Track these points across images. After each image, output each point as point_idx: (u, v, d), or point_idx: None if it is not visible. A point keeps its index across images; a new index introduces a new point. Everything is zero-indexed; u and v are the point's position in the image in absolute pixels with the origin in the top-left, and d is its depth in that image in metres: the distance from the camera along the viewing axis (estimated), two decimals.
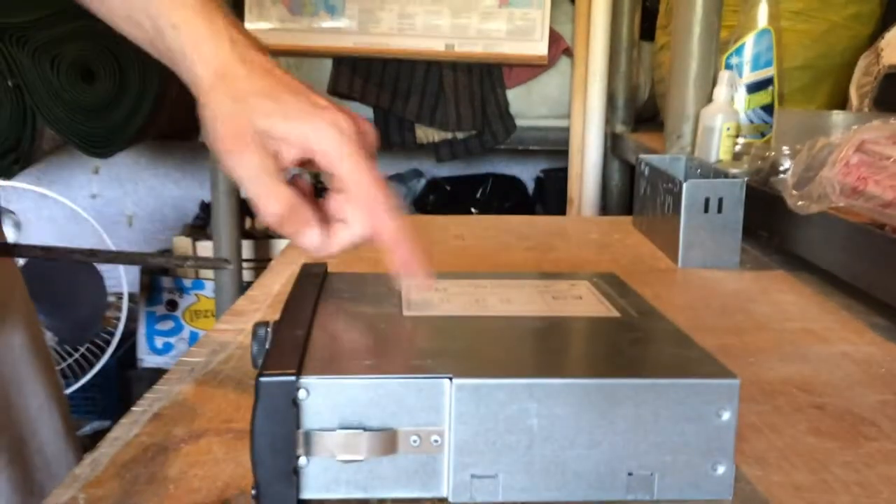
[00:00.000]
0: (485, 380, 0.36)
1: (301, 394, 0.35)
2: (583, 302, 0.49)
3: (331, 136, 0.47)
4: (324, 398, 0.36)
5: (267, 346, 0.43)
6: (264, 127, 0.47)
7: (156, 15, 0.52)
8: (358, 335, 0.43)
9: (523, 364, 0.41)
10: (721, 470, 0.37)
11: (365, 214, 0.48)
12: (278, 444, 0.35)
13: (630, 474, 0.37)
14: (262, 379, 0.35)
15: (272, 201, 0.47)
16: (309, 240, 0.48)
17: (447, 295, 0.50)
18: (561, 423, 0.36)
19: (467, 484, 0.37)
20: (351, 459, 0.36)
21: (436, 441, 0.36)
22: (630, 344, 0.43)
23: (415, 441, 0.36)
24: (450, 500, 0.37)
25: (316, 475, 0.36)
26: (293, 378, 0.35)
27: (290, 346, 0.39)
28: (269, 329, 0.44)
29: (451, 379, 0.36)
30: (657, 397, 0.36)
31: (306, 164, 0.49)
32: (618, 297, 0.50)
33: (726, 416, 0.37)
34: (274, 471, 0.36)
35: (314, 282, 0.51)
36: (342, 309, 0.47)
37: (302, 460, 0.36)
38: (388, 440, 0.36)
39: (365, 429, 0.36)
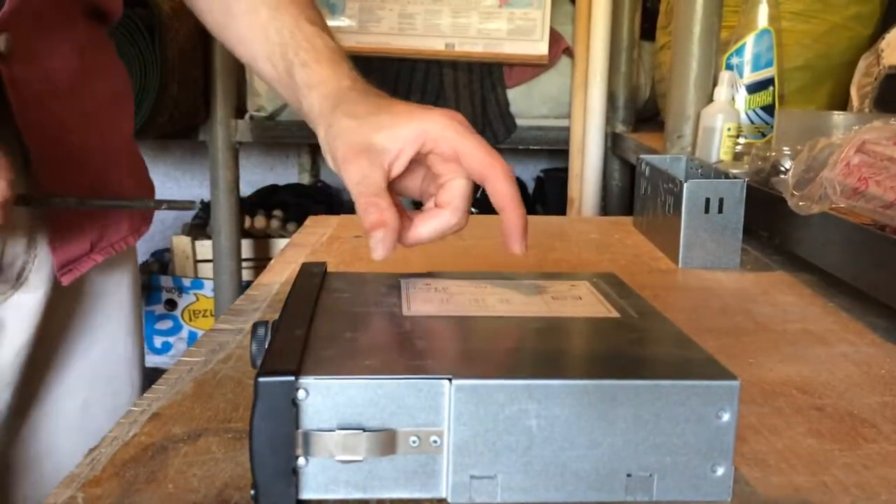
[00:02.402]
0: (484, 381, 0.36)
1: (300, 394, 0.35)
2: (582, 302, 0.49)
3: (447, 123, 0.53)
4: (323, 398, 0.36)
5: (266, 346, 0.43)
6: (381, 140, 0.53)
7: (291, 57, 0.60)
8: (357, 335, 0.43)
9: (523, 364, 0.41)
10: (720, 471, 0.37)
11: (485, 180, 0.53)
12: (277, 444, 0.35)
13: (629, 475, 0.37)
14: (261, 379, 0.35)
15: (371, 208, 0.52)
16: (377, 250, 0.52)
17: (447, 295, 0.50)
18: (560, 423, 0.36)
19: (466, 485, 0.37)
20: (350, 460, 0.36)
21: (435, 442, 0.36)
22: (630, 344, 0.43)
23: (414, 441, 0.36)
24: (449, 500, 0.37)
25: (315, 475, 0.36)
26: (292, 378, 0.35)
27: (289, 345, 0.39)
28: (268, 328, 0.44)
29: (450, 380, 0.36)
30: (657, 398, 0.36)
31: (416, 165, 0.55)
32: (618, 297, 0.50)
33: (726, 417, 0.36)
34: (273, 471, 0.36)
35: (314, 281, 0.51)
36: (342, 308, 0.47)
37: (301, 461, 0.36)
38: (387, 441, 0.36)
39: (364, 429, 0.36)
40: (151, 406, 0.49)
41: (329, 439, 0.36)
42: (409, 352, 0.41)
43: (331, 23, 1.86)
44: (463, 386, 0.36)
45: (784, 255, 0.88)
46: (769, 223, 0.88)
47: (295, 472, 0.36)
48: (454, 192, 0.54)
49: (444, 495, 0.37)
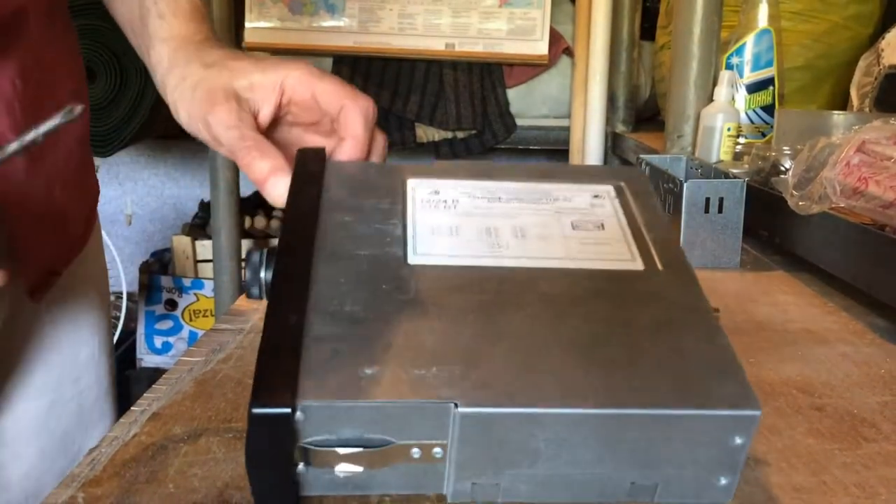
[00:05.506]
0: (490, 409, 0.34)
1: (298, 416, 0.34)
2: (605, 237, 0.45)
3: (303, 70, 0.53)
4: (320, 418, 0.34)
5: (261, 275, 0.41)
6: (242, 84, 0.52)
7: (149, 5, 0.58)
8: (356, 315, 0.39)
9: (531, 386, 0.37)
10: (724, 482, 0.36)
11: (341, 110, 0.52)
12: (275, 461, 0.34)
13: (633, 483, 0.36)
14: (255, 411, 0.33)
15: (256, 153, 0.50)
16: (281, 198, 0.49)
17: (457, 216, 0.45)
18: (568, 446, 0.35)
19: (468, 493, 0.36)
20: (350, 473, 0.36)
21: (437, 453, 0.35)
22: (650, 336, 0.39)
23: (416, 453, 0.35)
24: (448, 500, 0.37)
25: (316, 477, 0.36)
26: (287, 411, 0.33)
27: (281, 360, 0.36)
28: (262, 256, 0.41)
29: (455, 405, 0.34)
30: (671, 426, 0.35)
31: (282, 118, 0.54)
32: (642, 223, 0.46)
33: (740, 441, 0.35)
34: (272, 484, 0.35)
35: (314, 187, 0.47)
36: (341, 250, 0.43)
37: (301, 467, 0.35)
38: (388, 454, 0.35)
39: (364, 447, 0.35)
40: (152, 406, 0.49)
41: (329, 454, 0.35)
42: (412, 354, 0.38)
43: (331, 23, 1.87)
44: (468, 414, 0.34)
45: (784, 254, 0.88)
46: (769, 223, 0.88)
47: (295, 482, 0.35)
48: (347, 121, 0.52)
49: (444, 492, 0.37)
